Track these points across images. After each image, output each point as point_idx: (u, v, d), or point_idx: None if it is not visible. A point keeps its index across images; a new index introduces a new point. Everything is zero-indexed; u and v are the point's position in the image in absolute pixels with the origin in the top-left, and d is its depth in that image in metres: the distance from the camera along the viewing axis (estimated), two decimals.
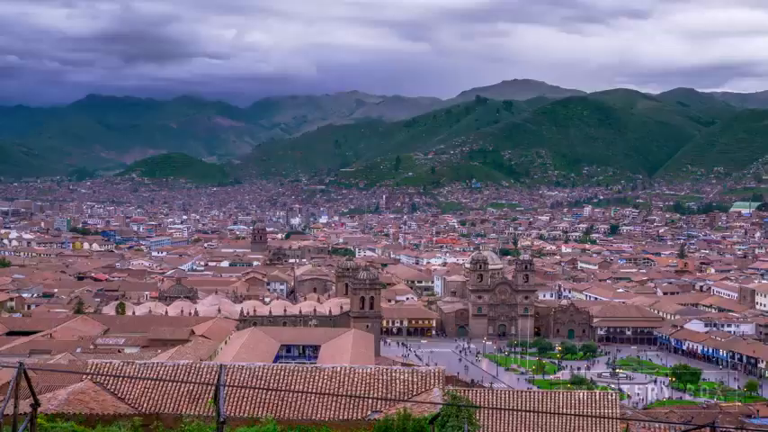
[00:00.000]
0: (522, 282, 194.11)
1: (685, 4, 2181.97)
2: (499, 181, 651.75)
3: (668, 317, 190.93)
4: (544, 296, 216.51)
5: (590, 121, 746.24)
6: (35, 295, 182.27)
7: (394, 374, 37.55)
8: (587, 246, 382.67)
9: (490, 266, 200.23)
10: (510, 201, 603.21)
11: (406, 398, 34.72)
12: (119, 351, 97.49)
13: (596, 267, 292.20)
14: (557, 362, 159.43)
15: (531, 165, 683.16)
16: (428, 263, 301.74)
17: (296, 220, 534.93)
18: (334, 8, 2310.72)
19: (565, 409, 38.83)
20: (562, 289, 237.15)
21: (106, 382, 36.33)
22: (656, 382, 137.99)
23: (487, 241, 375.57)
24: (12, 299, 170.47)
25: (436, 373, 37.85)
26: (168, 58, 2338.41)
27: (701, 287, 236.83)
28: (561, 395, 41.02)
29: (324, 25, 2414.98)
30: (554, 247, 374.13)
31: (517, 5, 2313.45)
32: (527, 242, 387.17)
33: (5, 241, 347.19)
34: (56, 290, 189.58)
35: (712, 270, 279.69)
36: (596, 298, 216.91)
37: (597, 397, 41.13)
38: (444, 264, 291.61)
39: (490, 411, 37.91)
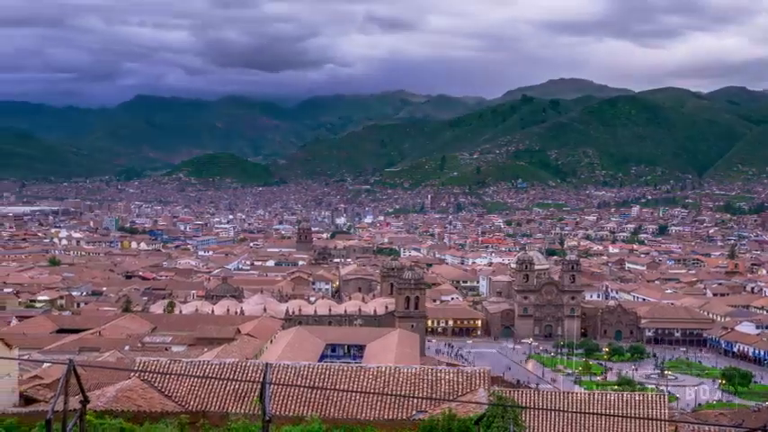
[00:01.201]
0: (569, 282, 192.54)
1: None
2: (545, 181, 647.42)
3: (718, 318, 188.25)
4: (591, 297, 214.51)
5: (638, 121, 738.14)
6: (84, 293, 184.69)
7: (439, 374, 37.38)
8: (635, 246, 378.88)
9: (536, 267, 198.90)
10: (556, 201, 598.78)
11: (451, 398, 34.53)
12: (166, 349, 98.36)
13: (644, 268, 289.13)
14: (604, 363, 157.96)
15: (577, 164, 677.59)
16: (473, 263, 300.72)
17: (341, 220, 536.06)
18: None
19: (612, 411, 38.36)
20: (609, 290, 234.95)
21: (153, 379, 36.61)
22: (707, 383, 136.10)
23: (533, 241, 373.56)
24: (62, 297, 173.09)
25: (481, 374, 37.61)
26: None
27: (753, 288, 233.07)
28: (609, 396, 40.55)
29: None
30: (601, 248, 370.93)
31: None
32: (573, 242, 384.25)
33: (56, 240, 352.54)
34: (104, 288, 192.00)
35: (764, 271, 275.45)
36: (644, 299, 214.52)
37: (645, 399, 40.61)
38: (490, 264, 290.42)
39: (536, 412, 37.55)
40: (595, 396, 41.44)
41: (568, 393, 43.48)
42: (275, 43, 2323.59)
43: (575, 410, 37.83)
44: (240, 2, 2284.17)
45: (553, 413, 37.62)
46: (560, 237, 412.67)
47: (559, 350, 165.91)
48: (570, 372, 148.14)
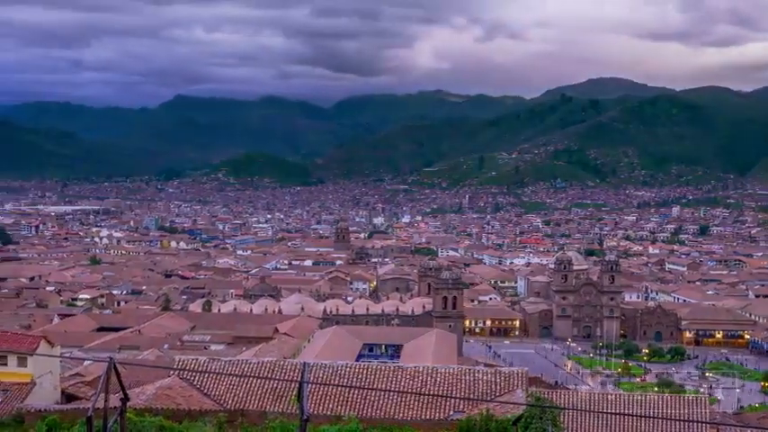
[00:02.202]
0: (608, 283, 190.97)
1: None
2: (584, 181, 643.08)
3: (760, 320, 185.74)
4: (630, 297, 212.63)
5: (679, 120, 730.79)
6: (124, 292, 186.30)
7: (477, 375, 37.30)
8: (675, 247, 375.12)
9: (575, 267, 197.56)
10: (595, 201, 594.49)
11: (488, 398, 34.43)
12: (204, 348, 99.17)
13: (685, 269, 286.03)
14: (643, 364, 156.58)
15: (617, 164, 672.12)
16: (511, 263, 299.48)
17: (378, 220, 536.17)
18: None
19: (652, 413, 38.02)
20: (649, 290, 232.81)
21: (192, 378, 36.89)
22: (748, 386, 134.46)
23: (572, 241, 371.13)
24: (102, 296, 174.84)
25: (519, 374, 37.48)
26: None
27: None
28: (649, 398, 40.21)
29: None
30: (641, 248, 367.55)
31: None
32: (613, 242, 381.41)
33: (96, 239, 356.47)
34: (144, 287, 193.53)
35: None
36: (685, 300, 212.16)
37: (686, 400, 40.21)
38: (528, 264, 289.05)
39: (574, 413, 37.32)
40: (635, 397, 41.10)
41: (607, 394, 43.16)
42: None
43: (614, 412, 37.55)
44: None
45: (592, 414, 37.35)
46: (599, 237, 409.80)
47: (598, 351, 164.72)
48: (609, 373, 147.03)
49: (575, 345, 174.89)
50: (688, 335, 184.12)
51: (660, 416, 37.53)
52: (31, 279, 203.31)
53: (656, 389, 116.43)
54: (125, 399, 20.70)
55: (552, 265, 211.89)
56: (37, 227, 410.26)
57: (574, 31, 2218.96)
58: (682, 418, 37.76)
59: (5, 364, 42.04)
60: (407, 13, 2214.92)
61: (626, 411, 37.93)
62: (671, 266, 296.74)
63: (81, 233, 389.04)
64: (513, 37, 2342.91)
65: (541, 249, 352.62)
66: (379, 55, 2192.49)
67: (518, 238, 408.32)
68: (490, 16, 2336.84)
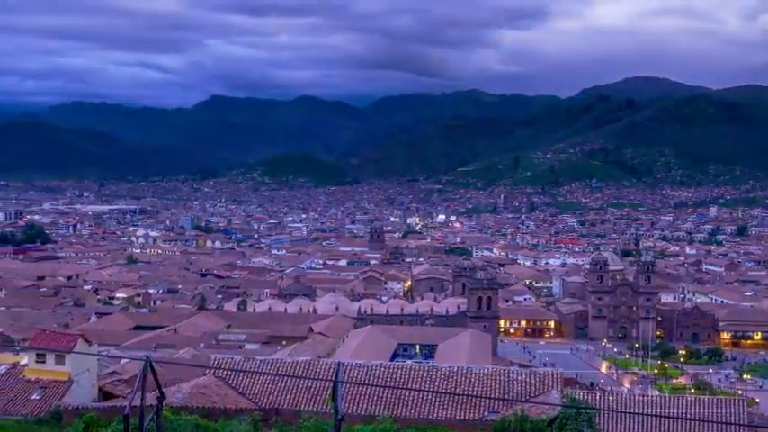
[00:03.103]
0: (644, 283, 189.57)
1: None
2: (620, 180, 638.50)
3: None
4: (667, 298, 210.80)
5: (716, 119, 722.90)
6: (160, 291, 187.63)
7: (511, 375, 37.19)
8: (713, 247, 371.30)
9: (610, 267, 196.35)
10: (631, 201, 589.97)
11: (523, 399, 34.31)
12: (240, 347, 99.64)
13: (722, 270, 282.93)
14: (680, 366, 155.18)
15: (653, 164, 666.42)
16: (546, 263, 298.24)
17: (413, 220, 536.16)
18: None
19: (689, 415, 37.67)
20: (686, 291, 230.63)
21: (228, 376, 37.12)
22: None
23: (608, 242, 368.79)
24: (139, 294, 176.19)
25: (554, 375, 37.31)
26: None
27: None
28: (685, 400, 39.84)
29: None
30: (677, 249, 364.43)
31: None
32: (649, 243, 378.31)
33: (133, 239, 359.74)
34: (180, 286, 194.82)
35: None
36: (722, 301, 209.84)
37: (723, 403, 39.78)
38: (563, 264, 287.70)
39: (610, 415, 37.07)
40: (671, 399, 40.76)
41: (643, 396, 42.83)
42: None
43: (650, 413, 37.26)
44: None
45: (627, 416, 37.08)
46: (635, 237, 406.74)
47: (634, 352, 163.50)
48: (645, 374, 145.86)
49: (610, 346, 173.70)
50: (725, 336, 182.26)
51: (697, 417, 37.18)
52: (69, 278, 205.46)
53: (693, 390, 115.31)
54: (161, 397, 20.87)
55: (588, 266, 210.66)
56: (75, 226, 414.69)
57: (611, 30, 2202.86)
58: (719, 419, 37.36)
59: (44, 362, 42.52)
60: (454, 15, 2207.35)
61: (662, 413, 37.62)
62: (708, 267, 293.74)
63: (118, 232, 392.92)
64: (550, 36, 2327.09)
65: (577, 250, 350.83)
66: (423, 55, 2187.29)
67: (553, 239, 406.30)
68: (527, 15, 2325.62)
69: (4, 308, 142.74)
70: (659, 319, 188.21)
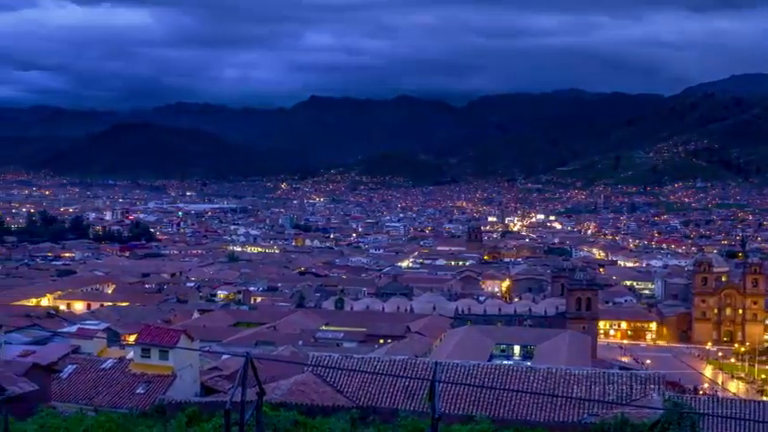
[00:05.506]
0: (751, 286, 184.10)
1: None
2: (726, 180, 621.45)
3: None
4: None
5: None
6: (260, 289, 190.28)
7: (611, 378, 36.60)
8: None
9: (715, 269, 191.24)
10: (737, 201, 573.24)
11: (623, 402, 33.70)
12: (337, 345, 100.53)
13: None
14: None
15: (761, 163, 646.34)
16: (648, 264, 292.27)
17: (511, 219, 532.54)
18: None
19: None
20: None
21: (326, 374, 37.47)
22: None
23: (712, 243, 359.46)
24: (239, 292, 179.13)
25: (656, 378, 36.56)
26: None
27: None
28: None
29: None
30: None
31: None
32: (756, 244, 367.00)
33: (234, 237, 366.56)
34: (279, 284, 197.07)
35: None
36: None
37: None
38: (665, 265, 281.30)
39: (715, 420, 36.06)
40: None
41: (750, 401, 41.58)
42: None
43: (758, 419, 36.14)
44: None
45: (733, 422, 36.04)
46: (742, 238, 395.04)
47: (740, 357, 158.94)
48: (752, 380, 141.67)
49: (714, 349, 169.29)
50: None
51: None
52: (173, 275, 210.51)
53: None
54: (261, 393, 21.22)
55: (691, 267, 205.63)
56: (178, 224, 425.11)
57: (714, 29, 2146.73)
58: None
59: (149, 357, 43.68)
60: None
61: None
62: None
63: (219, 231, 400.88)
64: (650, 34, 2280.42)
65: (680, 251, 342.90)
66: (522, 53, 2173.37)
67: (655, 239, 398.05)
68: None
69: (110, 303, 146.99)
70: (767, 322, 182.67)
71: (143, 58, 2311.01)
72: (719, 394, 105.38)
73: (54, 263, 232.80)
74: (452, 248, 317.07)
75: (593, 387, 35.58)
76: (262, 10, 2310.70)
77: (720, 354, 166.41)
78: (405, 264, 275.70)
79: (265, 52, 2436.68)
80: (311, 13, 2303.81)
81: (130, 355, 48.15)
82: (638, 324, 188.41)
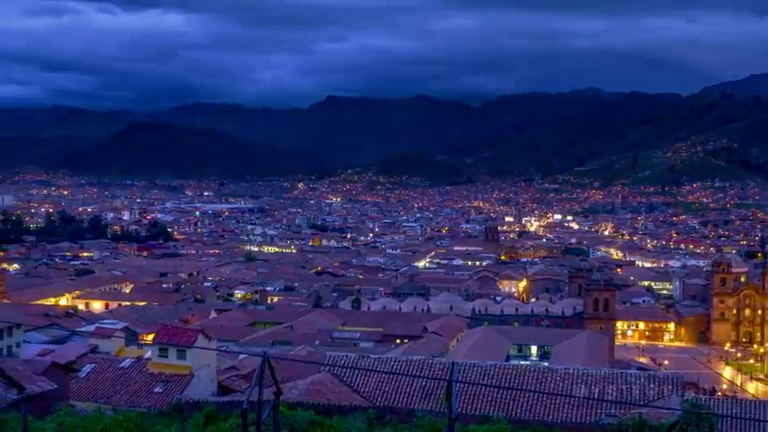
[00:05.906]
0: None
1: None
2: (745, 180, 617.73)
3: None
4: None
5: None
6: (277, 289, 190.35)
7: (629, 378, 36.46)
8: None
9: (734, 270, 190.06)
10: (756, 201, 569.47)
11: (641, 403, 33.56)
12: (354, 344, 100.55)
13: None
14: None
15: None
16: (666, 264, 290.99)
17: (528, 219, 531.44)
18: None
19: None
20: None
21: (342, 374, 37.49)
22: None
23: (731, 243, 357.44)
24: (256, 292, 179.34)
25: (674, 379, 36.40)
26: None
27: None
28: None
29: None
30: None
31: None
32: None
33: (251, 237, 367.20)
34: (296, 284, 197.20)
35: None
36: None
37: None
38: (683, 266, 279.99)
39: (733, 422, 35.86)
40: None
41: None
42: None
43: None
44: None
45: (752, 423, 35.84)
46: (761, 239, 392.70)
47: (759, 357, 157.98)
48: None
49: (733, 350, 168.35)
50: None
51: None
52: (190, 275, 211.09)
53: None
54: (278, 392, 21.23)
55: (709, 268, 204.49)
56: (195, 224, 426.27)
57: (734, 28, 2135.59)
58: None
59: (166, 356, 43.86)
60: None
61: None
62: None
63: (236, 231, 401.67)
64: (668, 33, 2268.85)
65: (698, 251, 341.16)
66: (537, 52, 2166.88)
67: (673, 239, 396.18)
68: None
69: (128, 303, 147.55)
70: None
71: (176, 59, 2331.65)
72: (738, 395, 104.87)
73: (72, 262, 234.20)
74: (469, 248, 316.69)
75: (610, 388, 35.45)
76: (291, 13, 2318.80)
77: (739, 355, 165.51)
78: (421, 264, 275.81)
79: (287, 55, 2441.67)
80: (343, 15, 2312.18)
81: (148, 354, 48.34)
82: (656, 325, 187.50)
